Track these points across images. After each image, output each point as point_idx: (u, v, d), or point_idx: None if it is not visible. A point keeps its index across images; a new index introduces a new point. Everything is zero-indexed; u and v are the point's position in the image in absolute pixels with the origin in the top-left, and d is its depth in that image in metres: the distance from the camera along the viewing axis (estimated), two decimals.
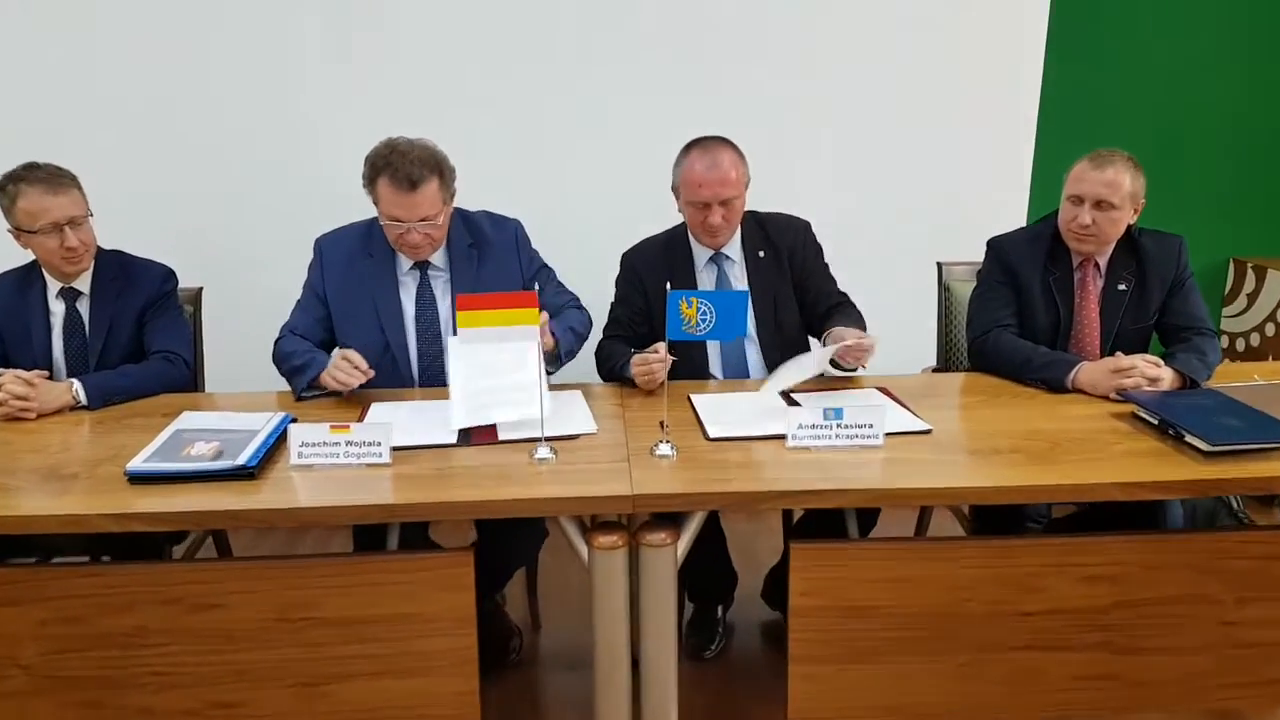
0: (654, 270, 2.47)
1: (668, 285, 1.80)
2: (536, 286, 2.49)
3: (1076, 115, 3.57)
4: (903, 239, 3.38)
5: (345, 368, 2.15)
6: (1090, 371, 2.19)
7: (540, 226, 2.58)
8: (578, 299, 2.56)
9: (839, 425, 1.88)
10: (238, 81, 3.17)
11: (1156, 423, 1.95)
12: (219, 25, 3.12)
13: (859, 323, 2.46)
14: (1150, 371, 2.13)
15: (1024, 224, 3.39)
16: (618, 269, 2.56)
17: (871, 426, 1.88)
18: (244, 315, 2.81)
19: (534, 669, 2.53)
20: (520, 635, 2.56)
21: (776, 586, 2.66)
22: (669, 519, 1.77)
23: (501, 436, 1.95)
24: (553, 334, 2.28)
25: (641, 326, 2.48)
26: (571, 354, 2.39)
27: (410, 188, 2.21)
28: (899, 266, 3.27)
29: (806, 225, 2.54)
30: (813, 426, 1.88)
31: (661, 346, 2.15)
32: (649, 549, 1.73)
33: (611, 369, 2.37)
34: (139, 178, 3.18)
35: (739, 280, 2.48)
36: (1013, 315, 2.44)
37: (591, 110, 3.29)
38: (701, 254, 2.48)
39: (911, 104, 3.37)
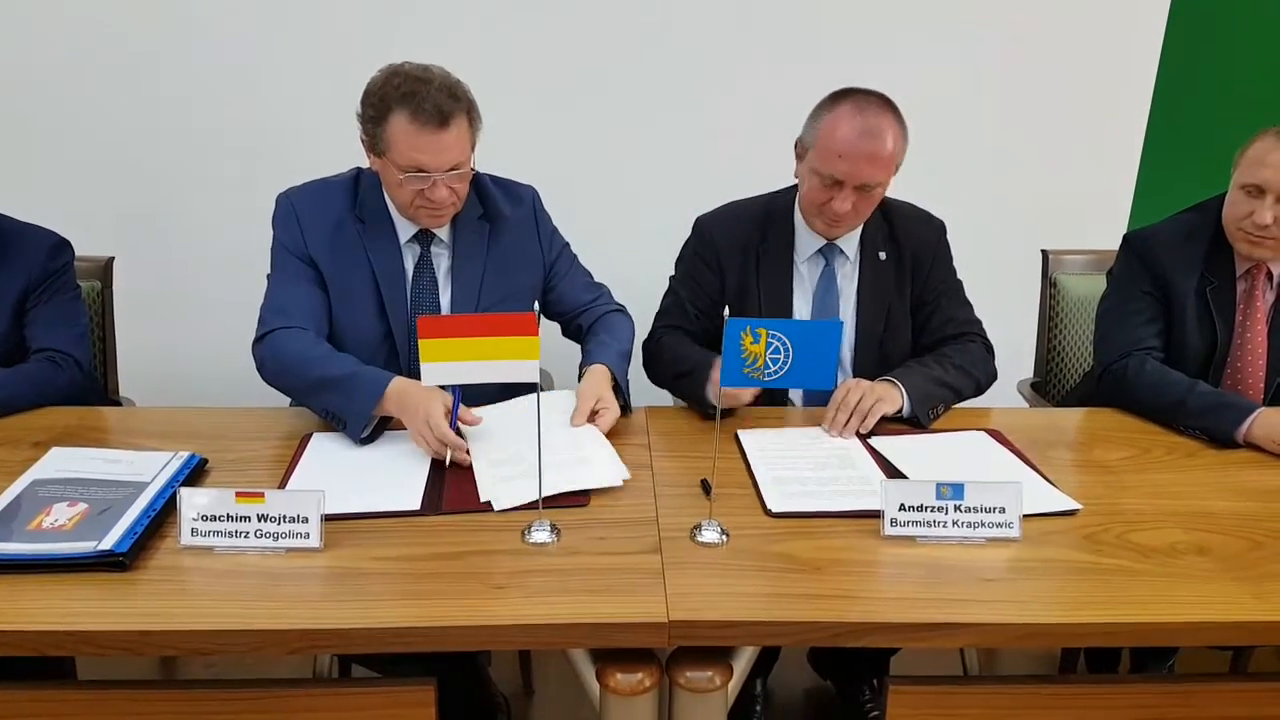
0: (739, 247, 1.90)
1: (725, 312, 1.24)
2: (559, 271, 1.94)
3: (1198, 85, 2.90)
4: (994, 221, 2.79)
5: (436, 446, 1.51)
6: (1272, 423, 1.64)
7: (556, 198, 1.99)
8: (609, 293, 2.01)
9: (958, 508, 1.34)
10: None
11: None
12: None
13: (966, 370, 1.84)
14: None
15: (1128, 211, 2.82)
16: (647, 259, 1.98)
17: (1004, 511, 1.34)
18: (169, 293, 2.25)
19: None
20: (508, 709, 2.04)
21: (826, 649, 2.15)
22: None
23: (483, 498, 1.42)
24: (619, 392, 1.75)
25: (712, 319, 1.89)
26: None
27: (440, 123, 1.62)
28: (986, 253, 2.69)
29: (942, 226, 1.96)
30: (920, 509, 1.34)
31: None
32: (689, 693, 1.20)
33: (679, 376, 1.79)
34: (35, 124, 2.60)
35: (848, 284, 1.90)
36: (1158, 335, 1.89)
37: (640, 55, 2.69)
38: (808, 240, 1.89)
39: (997, 66, 2.77)
